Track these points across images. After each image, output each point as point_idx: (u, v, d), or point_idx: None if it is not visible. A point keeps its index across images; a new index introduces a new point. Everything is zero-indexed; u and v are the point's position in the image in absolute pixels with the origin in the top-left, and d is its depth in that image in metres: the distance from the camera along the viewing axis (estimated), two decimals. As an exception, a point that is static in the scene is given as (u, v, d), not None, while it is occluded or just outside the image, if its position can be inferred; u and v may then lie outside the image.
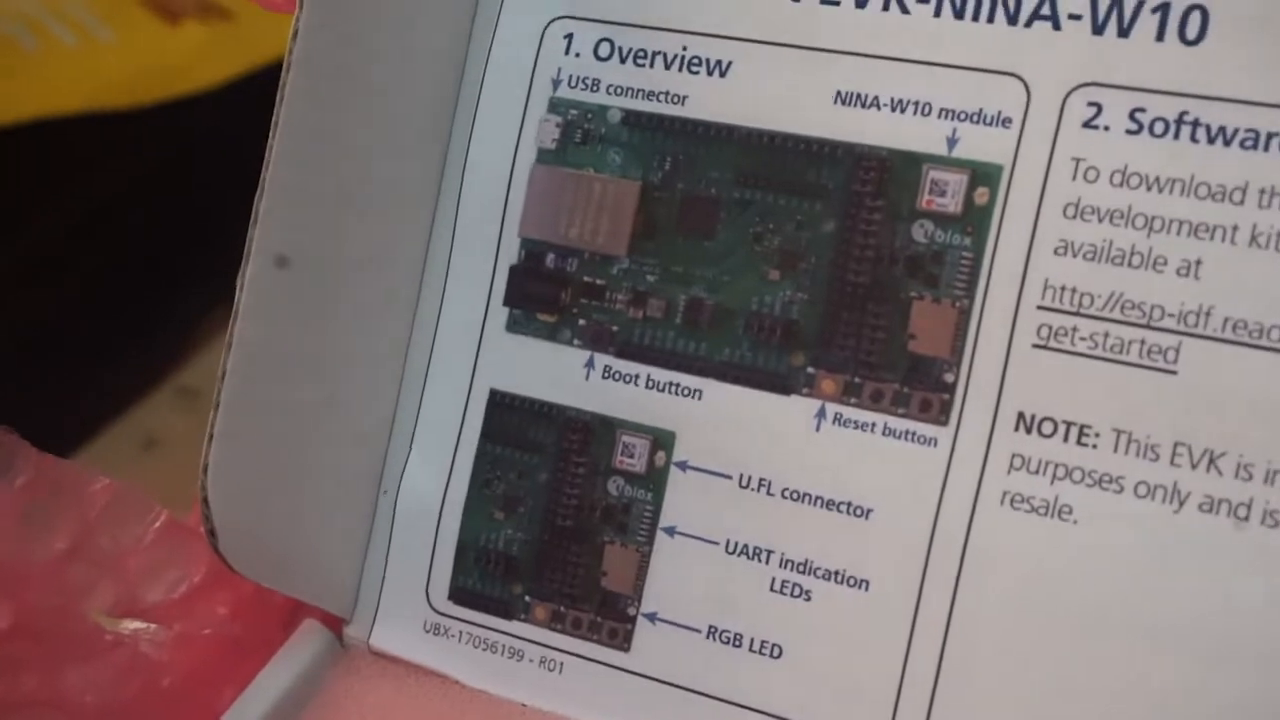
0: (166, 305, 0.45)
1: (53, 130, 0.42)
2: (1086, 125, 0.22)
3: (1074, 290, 0.22)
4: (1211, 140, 0.22)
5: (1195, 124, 0.22)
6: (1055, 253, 0.22)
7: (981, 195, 0.23)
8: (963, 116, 0.23)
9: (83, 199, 0.44)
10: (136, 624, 0.25)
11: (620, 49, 0.25)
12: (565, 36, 0.25)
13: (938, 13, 0.23)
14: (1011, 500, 0.22)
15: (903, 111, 0.23)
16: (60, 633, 0.25)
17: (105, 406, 0.44)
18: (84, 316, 0.45)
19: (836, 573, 0.23)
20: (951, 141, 0.23)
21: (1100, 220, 0.22)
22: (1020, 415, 0.22)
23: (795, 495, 0.23)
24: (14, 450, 0.24)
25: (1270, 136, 0.21)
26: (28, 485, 0.24)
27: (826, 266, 0.23)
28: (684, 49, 0.25)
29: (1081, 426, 0.22)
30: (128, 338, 0.44)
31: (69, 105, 0.43)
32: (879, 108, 0.23)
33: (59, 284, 0.44)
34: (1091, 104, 0.22)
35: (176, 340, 0.44)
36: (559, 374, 0.25)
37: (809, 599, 0.23)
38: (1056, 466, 0.22)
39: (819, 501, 0.23)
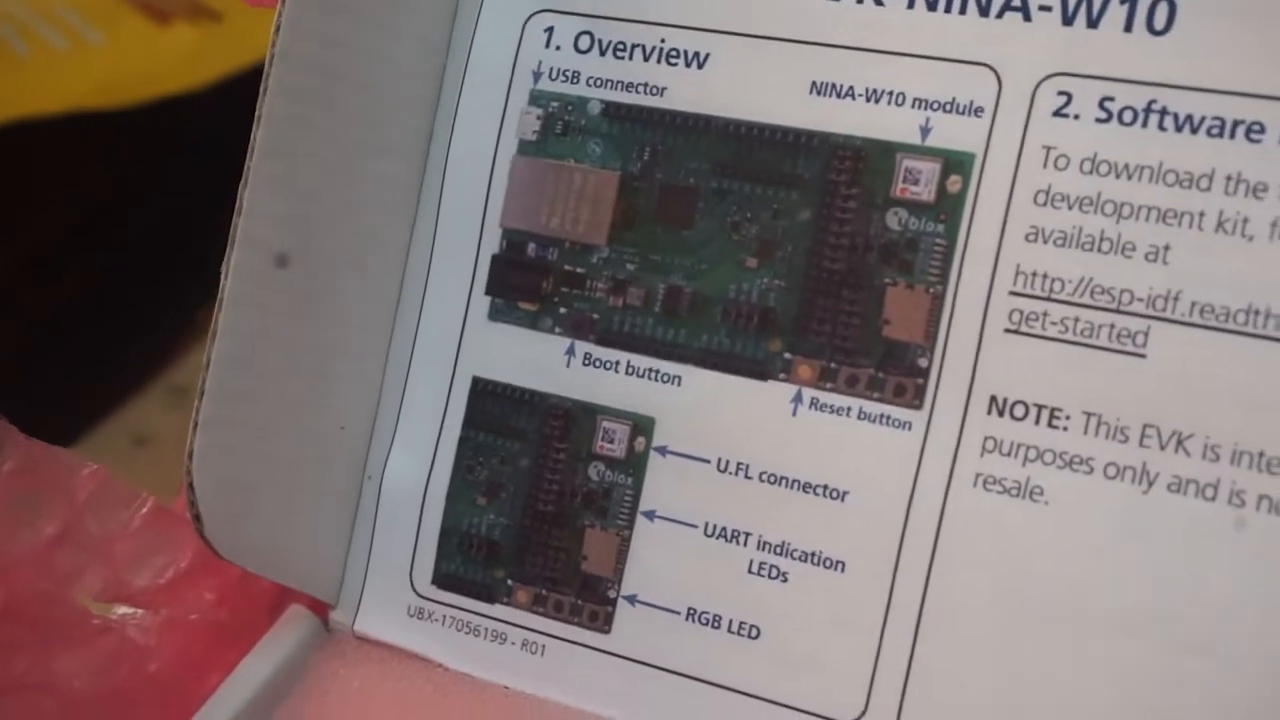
0: (157, 304, 0.45)
1: (43, 130, 0.43)
2: (1057, 114, 0.23)
3: (1045, 276, 0.22)
4: (1179, 128, 0.22)
5: (1163, 112, 0.22)
6: (1027, 239, 0.23)
7: (954, 183, 0.23)
8: (936, 106, 0.23)
9: (72, 199, 0.45)
10: (124, 609, 0.26)
11: (600, 41, 0.25)
12: (546, 30, 0.26)
13: (911, 4, 0.23)
14: (984, 482, 0.23)
15: (877, 101, 0.24)
16: (49, 617, 0.25)
17: (96, 404, 0.44)
18: (74, 316, 0.45)
19: (813, 554, 0.23)
20: (925, 130, 0.23)
21: (1070, 207, 0.22)
22: (993, 399, 0.23)
23: (773, 479, 0.24)
24: (2, 437, 0.24)
25: (1237, 124, 0.22)
26: (16, 471, 0.24)
27: (803, 254, 0.24)
28: (662, 41, 0.25)
29: (1053, 409, 0.22)
30: (118, 337, 0.45)
31: (58, 106, 0.43)
32: (854, 98, 0.24)
33: (49, 283, 0.45)
34: (1062, 93, 0.23)
35: (167, 339, 0.45)
36: (540, 361, 0.25)
37: (786, 580, 0.24)
38: (1028, 449, 0.22)
39: (796, 485, 0.24)
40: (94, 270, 0.45)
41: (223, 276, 0.24)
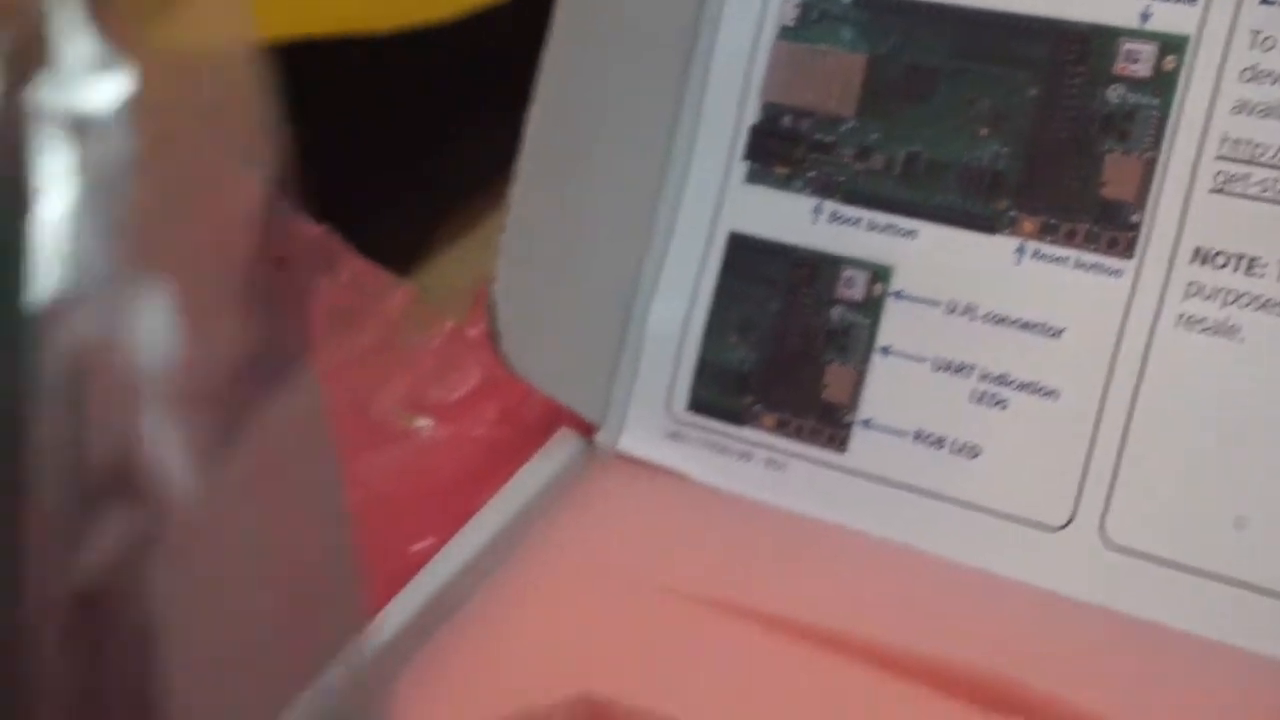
0: (400, 219, 0.49)
1: (310, 51, 0.46)
2: (1264, 1, 0.26)
3: (1249, 142, 0.25)
4: (1374, 15, 0.25)
5: (1360, 1, 0.25)
6: (1233, 111, 0.26)
7: (1169, 63, 0.26)
8: (1155, -5, 0.26)
9: (332, 116, 0.48)
10: (422, 420, 0.29)
11: (855, -61, 0.29)
12: (806, -71, 0.29)
13: (1136, -95, 0.27)
14: (1186, 321, 0.26)
15: (1102, -9, 0.27)
16: (357, 421, 0.29)
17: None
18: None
19: (1030, 384, 0.27)
20: (1144, 16, 0.26)
21: (1274, 83, 0.25)
22: (1197, 249, 0.26)
23: (996, 319, 0.27)
24: (336, 250, 0.28)
25: None
26: (345, 284, 0.28)
27: (1030, 125, 0.27)
28: (911, -61, 0.28)
29: (1251, 259, 0.25)
30: (361, 243, 0.48)
31: (329, 27, 0.46)
32: (1081, -12, 0.27)
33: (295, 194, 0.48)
34: (1269, -17, 0.26)
35: (411, 245, 0.48)
36: (791, 218, 0.29)
37: (1005, 407, 0.27)
38: (1227, 293, 0.25)
39: (1017, 324, 0.27)
40: (346, 185, 0.49)
41: (520, 147, 0.28)
